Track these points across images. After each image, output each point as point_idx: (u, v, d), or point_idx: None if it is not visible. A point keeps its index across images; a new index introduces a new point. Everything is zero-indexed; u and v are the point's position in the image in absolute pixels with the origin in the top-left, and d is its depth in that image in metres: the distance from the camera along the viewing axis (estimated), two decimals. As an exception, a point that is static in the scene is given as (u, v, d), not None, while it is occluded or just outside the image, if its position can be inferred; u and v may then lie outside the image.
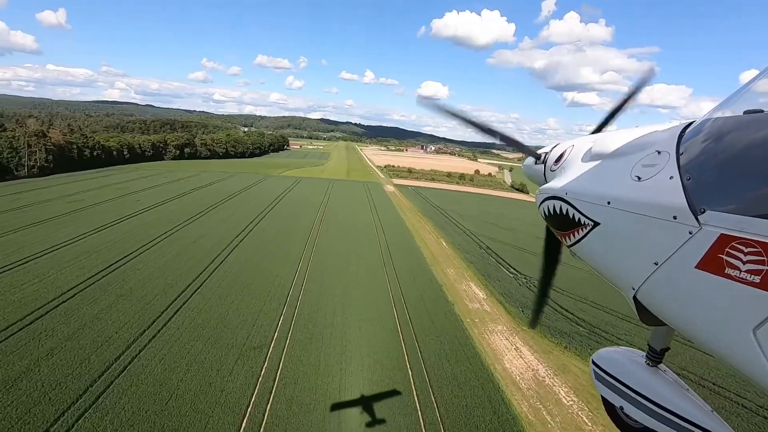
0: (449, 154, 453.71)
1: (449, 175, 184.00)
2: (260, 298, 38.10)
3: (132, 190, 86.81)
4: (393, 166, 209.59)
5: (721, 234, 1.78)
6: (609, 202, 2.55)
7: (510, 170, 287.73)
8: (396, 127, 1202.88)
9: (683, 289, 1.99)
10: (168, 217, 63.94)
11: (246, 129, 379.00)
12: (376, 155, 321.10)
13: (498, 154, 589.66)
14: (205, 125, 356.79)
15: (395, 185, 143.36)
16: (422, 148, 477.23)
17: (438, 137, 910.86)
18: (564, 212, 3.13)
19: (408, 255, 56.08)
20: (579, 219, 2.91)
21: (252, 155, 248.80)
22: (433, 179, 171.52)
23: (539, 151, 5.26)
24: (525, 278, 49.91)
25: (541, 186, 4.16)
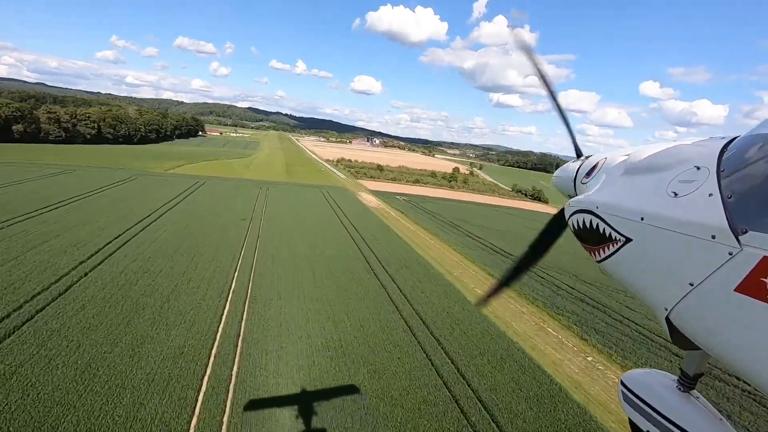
0: (398, 148, 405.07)
1: (433, 174, 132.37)
2: None
3: None
4: (350, 161, 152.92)
5: (764, 257, 1.67)
6: (643, 218, 2.44)
7: (480, 168, 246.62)
8: (330, 120, 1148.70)
9: (720, 313, 1.90)
10: None
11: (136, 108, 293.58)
12: (318, 147, 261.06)
13: (444, 150, 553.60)
14: (89, 103, 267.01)
15: (371, 192, 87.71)
16: (368, 141, 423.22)
17: (373, 131, 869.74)
18: (594, 227, 2.97)
19: None
20: (610, 234, 2.77)
21: (144, 141, 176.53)
22: (417, 181, 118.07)
23: (565, 171, 4.70)
24: None
25: (570, 198, 3.79)
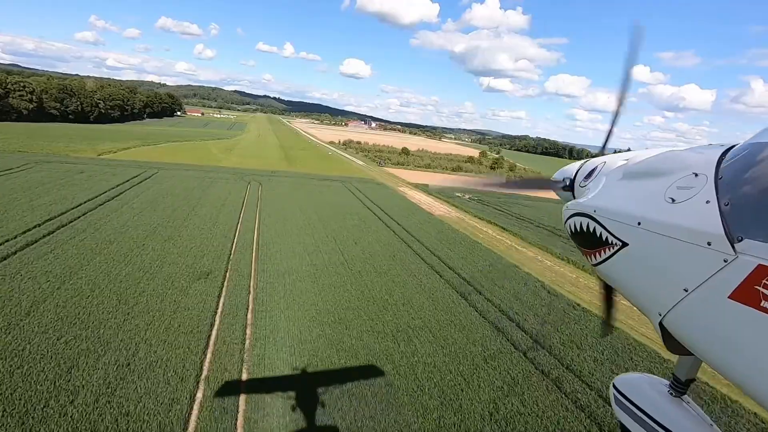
0: (398, 131, 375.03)
1: (471, 160, 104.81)
2: None
3: None
4: (359, 144, 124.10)
5: (759, 265, 1.67)
6: (639, 223, 2.41)
7: (497, 153, 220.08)
8: (319, 104, 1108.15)
9: (714, 319, 1.90)
10: None
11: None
12: (314, 129, 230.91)
13: (441, 135, 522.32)
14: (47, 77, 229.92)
15: (414, 186, 59.70)
16: (364, 123, 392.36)
17: (363, 115, 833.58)
18: (591, 230, 2.95)
19: None
20: (606, 238, 2.75)
21: (105, 119, 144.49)
22: (458, 169, 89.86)
23: (563, 171, 4.56)
24: None
25: (568, 202, 3.75)
